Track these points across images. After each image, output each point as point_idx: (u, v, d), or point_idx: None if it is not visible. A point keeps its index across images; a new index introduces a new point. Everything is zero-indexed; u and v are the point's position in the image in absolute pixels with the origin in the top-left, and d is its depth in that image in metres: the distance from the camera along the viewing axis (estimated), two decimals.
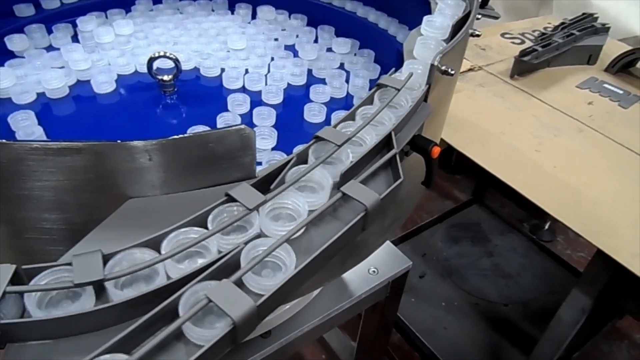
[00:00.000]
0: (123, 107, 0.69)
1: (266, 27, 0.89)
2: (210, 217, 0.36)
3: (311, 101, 0.71)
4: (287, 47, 0.85)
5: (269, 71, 0.77)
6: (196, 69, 0.77)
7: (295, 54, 0.82)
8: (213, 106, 0.68)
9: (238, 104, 0.68)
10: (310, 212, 0.38)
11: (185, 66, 0.76)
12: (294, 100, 0.72)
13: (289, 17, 0.93)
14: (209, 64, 0.75)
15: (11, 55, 0.76)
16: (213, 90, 0.73)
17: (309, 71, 0.78)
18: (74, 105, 0.69)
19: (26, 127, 0.61)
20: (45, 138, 0.61)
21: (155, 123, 0.67)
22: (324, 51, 0.84)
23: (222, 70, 0.76)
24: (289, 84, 0.75)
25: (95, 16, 0.84)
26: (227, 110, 0.67)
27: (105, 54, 0.76)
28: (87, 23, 0.82)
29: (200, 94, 0.72)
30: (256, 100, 0.70)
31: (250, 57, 0.79)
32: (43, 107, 0.67)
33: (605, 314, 1.28)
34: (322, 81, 0.76)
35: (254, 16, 0.94)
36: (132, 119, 0.67)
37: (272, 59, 0.80)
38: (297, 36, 0.88)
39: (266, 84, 0.73)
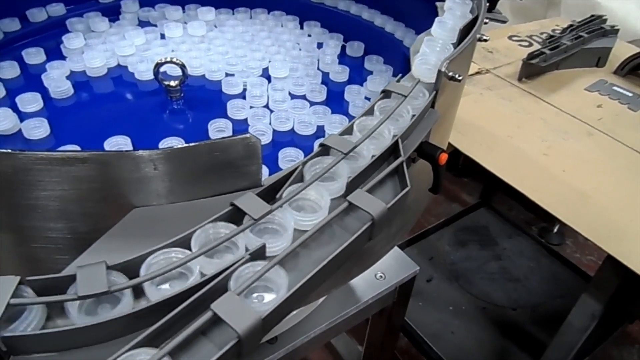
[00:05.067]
0: (129, 107, 0.71)
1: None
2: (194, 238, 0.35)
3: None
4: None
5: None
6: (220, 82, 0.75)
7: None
8: (206, 118, 0.66)
9: (219, 130, 0.64)
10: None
11: (213, 77, 0.76)
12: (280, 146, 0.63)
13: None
14: (232, 80, 0.74)
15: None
16: (220, 105, 0.70)
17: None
18: (111, 86, 0.75)
19: (56, 79, 0.70)
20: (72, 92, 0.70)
21: (154, 126, 0.67)
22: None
23: (245, 89, 0.73)
24: (292, 130, 0.67)
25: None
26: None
27: (149, 48, 0.81)
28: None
29: (205, 104, 0.71)
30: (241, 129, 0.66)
31: (284, 88, 0.73)
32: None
33: (616, 319, 1.27)
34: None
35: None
36: (136, 120, 0.68)
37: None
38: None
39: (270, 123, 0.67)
